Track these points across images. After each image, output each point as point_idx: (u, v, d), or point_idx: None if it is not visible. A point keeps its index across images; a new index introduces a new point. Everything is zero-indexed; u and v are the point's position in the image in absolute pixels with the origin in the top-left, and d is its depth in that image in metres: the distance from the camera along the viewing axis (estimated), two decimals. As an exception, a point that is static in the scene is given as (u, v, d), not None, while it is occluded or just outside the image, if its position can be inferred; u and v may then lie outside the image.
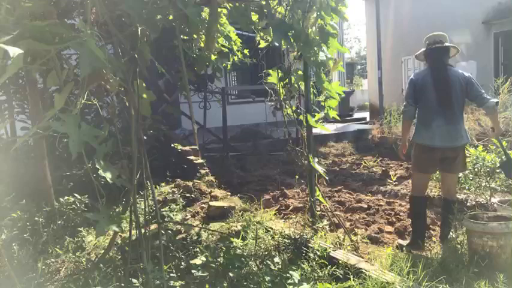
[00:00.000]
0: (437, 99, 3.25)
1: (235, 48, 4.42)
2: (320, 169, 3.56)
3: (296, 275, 2.42)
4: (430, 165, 3.41)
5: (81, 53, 1.52)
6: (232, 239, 2.94)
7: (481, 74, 11.29)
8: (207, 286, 2.40)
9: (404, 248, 3.30)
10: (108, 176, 1.95)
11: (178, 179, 4.75)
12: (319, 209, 3.76)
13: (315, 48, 3.15)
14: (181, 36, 3.56)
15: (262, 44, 3.74)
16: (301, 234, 3.24)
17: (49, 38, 1.53)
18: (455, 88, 3.26)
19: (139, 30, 2.27)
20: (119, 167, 2.14)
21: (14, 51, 1.28)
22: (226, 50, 4.35)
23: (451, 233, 3.36)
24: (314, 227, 3.49)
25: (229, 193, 4.67)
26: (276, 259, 2.91)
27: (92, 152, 1.91)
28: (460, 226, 3.29)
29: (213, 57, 4.20)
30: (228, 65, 4.56)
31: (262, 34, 3.57)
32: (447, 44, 3.38)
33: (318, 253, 2.92)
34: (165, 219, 3.52)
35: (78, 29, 1.58)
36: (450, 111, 3.26)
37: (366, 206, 4.59)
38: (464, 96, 3.30)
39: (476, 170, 4.16)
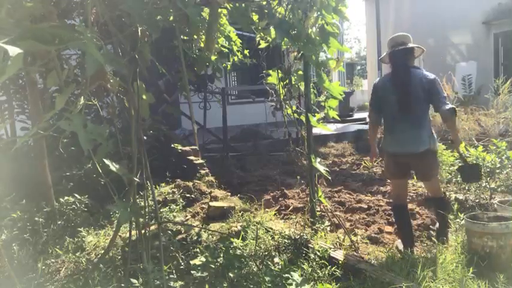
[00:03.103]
0: (398, 104, 3.15)
1: (235, 48, 4.42)
2: (322, 168, 3.56)
3: (296, 275, 2.42)
4: (398, 171, 3.31)
5: (87, 52, 1.53)
6: (232, 239, 2.94)
7: (481, 74, 11.30)
8: (206, 286, 2.40)
9: (400, 250, 3.28)
10: (116, 168, 1.98)
11: (178, 179, 4.75)
12: (319, 209, 3.76)
13: (316, 47, 3.15)
14: (182, 36, 3.56)
15: (263, 44, 3.74)
16: (301, 234, 3.24)
17: (49, 39, 1.53)
18: (416, 92, 3.10)
19: (139, 30, 2.28)
20: (119, 167, 2.14)
21: (14, 50, 1.28)
22: (226, 50, 4.35)
23: (450, 234, 3.36)
24: (314, 227, 3.49)
25: (229, 193, 4.67)
26: (276, 259, 2.91)
27: (94, 151, 1.92)
28: (458, 225, 3.29)
29: (213, 57, 4.20)
30: (228, 66, 4.56)
31: (262, 34, 3.58)
32: (410, 45, 3.19)
33: (318, 253, 2.92)
34: (165, 220, 3.52)
35: (78, 30, 1.58)
36: (411, 116, 3.14)
37: (366, 207, 4.58)
38: (427, 100, 3.13)
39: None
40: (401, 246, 3.33)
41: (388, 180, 5.64)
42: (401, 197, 3.40)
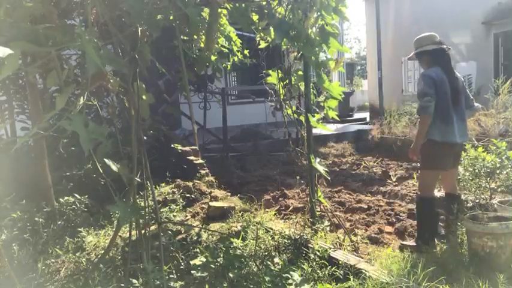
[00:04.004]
0: (452, 97, 3.32)
1: (235, 48, 4.42)
2: (321, 169, 3.55)
3: (296, 276, 2.42)
4: (447, 162, 3.39)
5: (86, 52, 1.52)
6: (232, 239, 2.94)
7: (481, 74, 11.29)
8: (206, 286, 2.40)
9: (410, 249, 3.22)
10: (115, 168, 1.97)
11: (178, 179, 4.75)
12: (319, 209, 3.76)
13: (316, 48, 3.15)
14: (182, 36, 3.56)
15: (263, 45, 3.74)
16: (301, 234, 3.24)
17: (43, 40, 1.53)
18: (463, 87, 3.45)
19: (139, 30, 2.28)
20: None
21: (4, 51, 1.27)
22: (226, 50, 4.35)
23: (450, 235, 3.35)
24: (314, 227, 3.49)
25: (229, 193, 4.67)
26: (276, 259, 2.91)
27: (93, 151, 1.92)
28: (460, 226, 3.29)
29: (213, 57, 4.20)
30: (228, 66, 4.55)
31: (262, 34, 3.57)
32: (448, 46, 3.50)
33: (318, 253, 2.92)
34: (165, 220, 3.52)
35: (77, 32, 1.58)
36: (460, 108, 3.38)
37: (366, 207, 4.58)
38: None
39: (476, 170, 4.15)
40: (409, 243, 3.36)
41: (391, 180, 5.63)
42: (433, 189, 3.51)
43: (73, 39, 1.55)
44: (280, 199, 5.02)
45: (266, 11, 3.11)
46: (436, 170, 3.44)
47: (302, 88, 3.75)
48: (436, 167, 3.42)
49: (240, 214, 3.99)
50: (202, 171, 5.06)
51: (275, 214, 4.17)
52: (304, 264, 2.83)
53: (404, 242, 3.46)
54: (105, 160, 1.97)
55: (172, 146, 5.16)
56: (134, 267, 2.57)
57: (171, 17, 2.48)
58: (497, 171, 4.04)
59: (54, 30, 1.63)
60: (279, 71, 3.83)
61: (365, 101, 20.26)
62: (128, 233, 2.51)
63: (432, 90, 3.25)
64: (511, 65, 11.02)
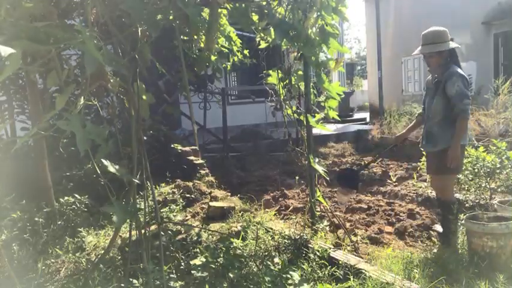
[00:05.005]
0: None
1: (235, 48, 4.42)
2: (320, 169, 3.56)
3: (296, 276, 2.42)
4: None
5: (86, 51, 1.52)
6: (232, 239, 2.94)
7: (480, 74, 11.29)
8: (206, 286, 2.40)
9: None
10: (115, 169, 1.97)
11: (178, 180, 4.75)
12: (319, 209, 3.76)
13: (316, 48, 3.15)
14: (182, 36, 3.56)
15: (263, 45, 3.74)
16: (301, 234, 3.24)
17: (44, 38, 1.53)
18: None
19: (139, 30, 2.28)
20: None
21: (6, 51, 1.27)
22: (226, 50, 4.35)
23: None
24: (314, 227, 3.49)
25: (229, 193, 4.67)
26: (276, 259, 2.91)
27: (94, 152, 1.92)
28: (460, 226, 3.29)
29: (213, 57, 4.20)
30: (228, 66, 4.55)
31: (262, 34, 3.57)
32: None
33: (318, 253, 2.92)
34: (165, 220, 3.52)
35: (77, 29, 1.58)
36: None
37: (365, 207, 4.59)
38: None
39: (476, 170, 4.15)
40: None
41: (391, 180, 5.63)
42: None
43: (74, 36, 1.55)
44: (280, 199, 5.02)
45: (266, 11, 3.10)
46: (458, 173, 3.41)
47: (302, 88, 3.75)
48: (459, 170, 3.35)
49: (240, 214, 3.99)
50: (202, 171, 5.06)
51: (275, 214, 4.17)
52: (304, 264, 2.83)
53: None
54: (103, 161, 1.96)
55: (172, 146, 5.16)
56: (134, 267, 2.57)
57: (171, 17, 2.48)
58: (497, 171, 4.05)
59: (55, 28, 1.63)
60: (279, 71, 3.83)
61: (365, 101, 20.27)
62: (128, 233, 2.50)
63: (469, 92, 3.12)
64: (511, 65, 11.03)
